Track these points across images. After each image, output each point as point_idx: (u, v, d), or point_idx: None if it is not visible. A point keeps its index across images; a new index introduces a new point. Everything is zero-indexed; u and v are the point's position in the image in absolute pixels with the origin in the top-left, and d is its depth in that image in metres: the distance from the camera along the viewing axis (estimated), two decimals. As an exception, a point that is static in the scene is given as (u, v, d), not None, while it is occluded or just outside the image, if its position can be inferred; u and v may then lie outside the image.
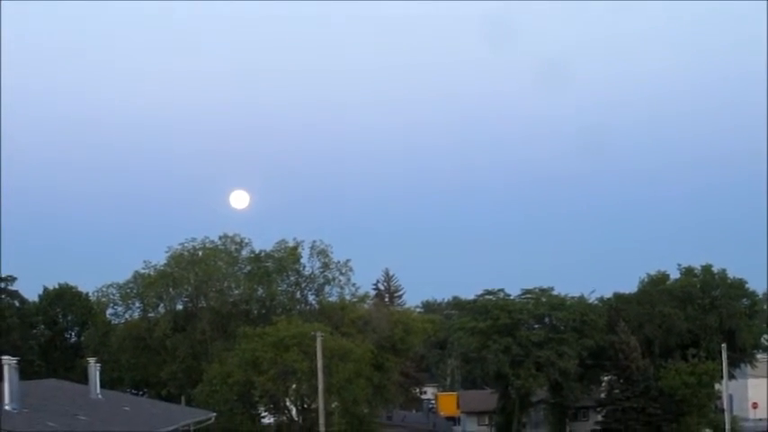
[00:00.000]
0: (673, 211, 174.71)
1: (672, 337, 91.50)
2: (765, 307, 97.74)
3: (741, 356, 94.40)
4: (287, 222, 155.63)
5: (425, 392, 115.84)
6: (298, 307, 79.65)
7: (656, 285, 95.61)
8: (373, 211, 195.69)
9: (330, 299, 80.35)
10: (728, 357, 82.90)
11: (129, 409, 51.33)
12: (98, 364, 52.98)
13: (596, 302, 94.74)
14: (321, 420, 61.75)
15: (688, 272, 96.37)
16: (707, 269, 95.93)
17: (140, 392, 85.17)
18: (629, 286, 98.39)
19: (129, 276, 79.13)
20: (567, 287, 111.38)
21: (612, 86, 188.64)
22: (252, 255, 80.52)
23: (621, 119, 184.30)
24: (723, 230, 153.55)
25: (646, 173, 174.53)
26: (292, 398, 68.13)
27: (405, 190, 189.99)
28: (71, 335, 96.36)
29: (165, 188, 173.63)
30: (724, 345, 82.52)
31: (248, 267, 79.96)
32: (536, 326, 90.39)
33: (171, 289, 78.41)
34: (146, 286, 77.71)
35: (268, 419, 70.71)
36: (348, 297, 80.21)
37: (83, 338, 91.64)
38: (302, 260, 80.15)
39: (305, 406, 67.96)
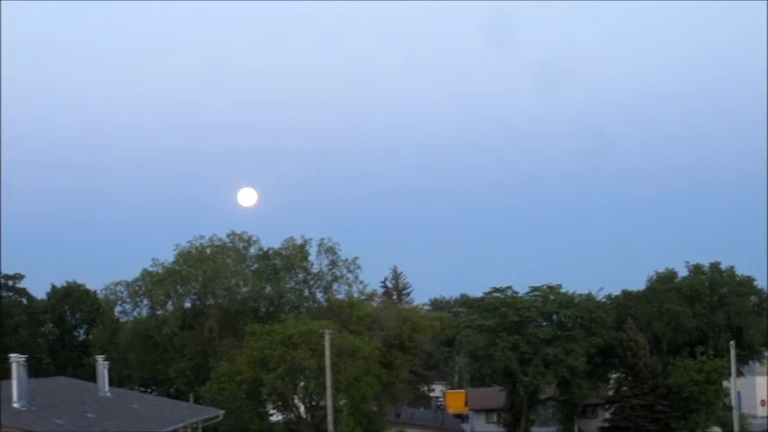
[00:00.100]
0: (681, 208, 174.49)
1: (680, 334, 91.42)
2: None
3: (749, 354, 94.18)
4: (295, 220, 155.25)
5: (434, 390, 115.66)
6: (306, 305, 79.47)
7: (664, 283, 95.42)
8: (381, 209, 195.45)
9: (338, 296, 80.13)
10: (737, 355, 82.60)
11: (138, 406, 51.44)
12: (106, 362, 53.12)
13: (604, 300, 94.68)
14: (329, 418, 61.69)
15: (696, 269, 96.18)
16: (715, 267, 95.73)
17: (149, 390, 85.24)
18: (638, 284, 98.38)
19: (137, 274, 79.00)
20: (576, 285, 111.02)
21: (618, 84, 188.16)
22: (260, 252, 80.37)
23: (625, 117, 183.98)
24: (731, 228, 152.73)
25: (654, 170, 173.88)
26: (301, 395, 68.00)
27: (413, 188, 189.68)
28: (79, 333, 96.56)
29: (174, 186, 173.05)
30: (732, 342, 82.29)
31: (256, 265, 79.80)
32: (544, 323, 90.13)
33: (179, 287, 78.24)
34: (154, 284, 77.59)
35: (276, 417, 70.63)
36: (356, 295, 80.00)
37: (91, 336, 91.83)
38: (310, 258, 79.98)
39: (313, 403, 67.89)
